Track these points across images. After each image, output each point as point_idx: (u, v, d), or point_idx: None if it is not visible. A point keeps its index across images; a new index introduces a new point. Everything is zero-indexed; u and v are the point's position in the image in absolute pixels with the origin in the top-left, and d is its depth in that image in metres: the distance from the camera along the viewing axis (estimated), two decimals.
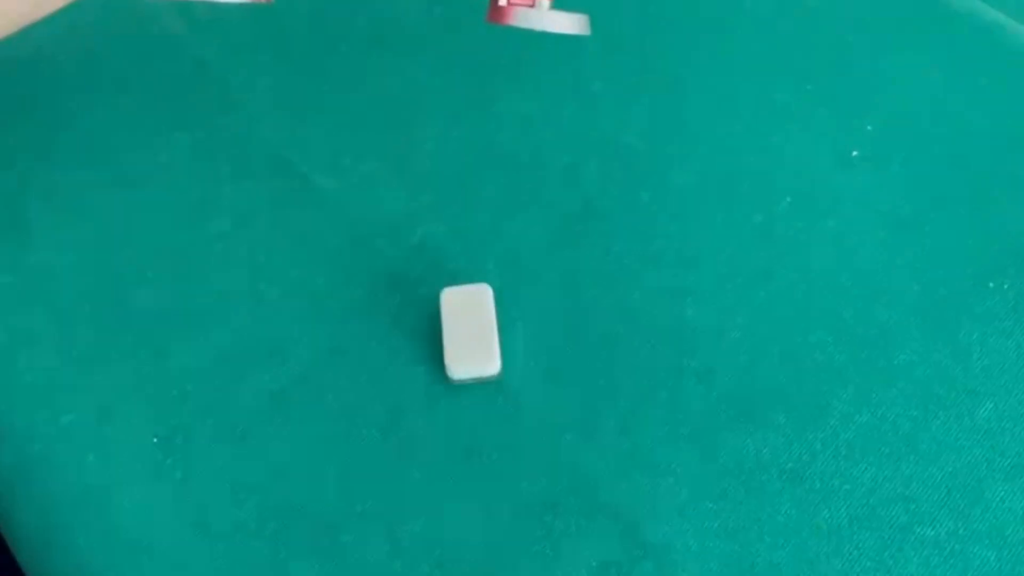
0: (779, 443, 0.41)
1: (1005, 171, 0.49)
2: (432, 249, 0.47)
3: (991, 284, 0.45)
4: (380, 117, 0.52)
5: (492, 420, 0.42)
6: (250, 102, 0.52)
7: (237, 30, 0.51)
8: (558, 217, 0.48)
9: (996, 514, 0.39)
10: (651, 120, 0.52)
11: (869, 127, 0.51)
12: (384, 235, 0.48)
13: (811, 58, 0.53)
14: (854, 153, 0.50)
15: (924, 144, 0.50)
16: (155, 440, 0.42)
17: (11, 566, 0.42)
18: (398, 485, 0.40)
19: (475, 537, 0.39)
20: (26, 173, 0.50)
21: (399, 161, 0.50)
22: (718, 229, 0.47)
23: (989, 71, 0.53)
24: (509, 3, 0.34)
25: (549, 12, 0.34)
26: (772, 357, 0.43)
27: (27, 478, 0.41)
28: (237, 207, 0.49)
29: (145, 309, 0.45)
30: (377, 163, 0.50)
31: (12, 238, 0.48)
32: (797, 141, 0.50)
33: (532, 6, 0.34)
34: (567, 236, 0.47)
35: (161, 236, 0.48)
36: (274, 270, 0.47)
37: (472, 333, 0.43)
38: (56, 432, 0.42)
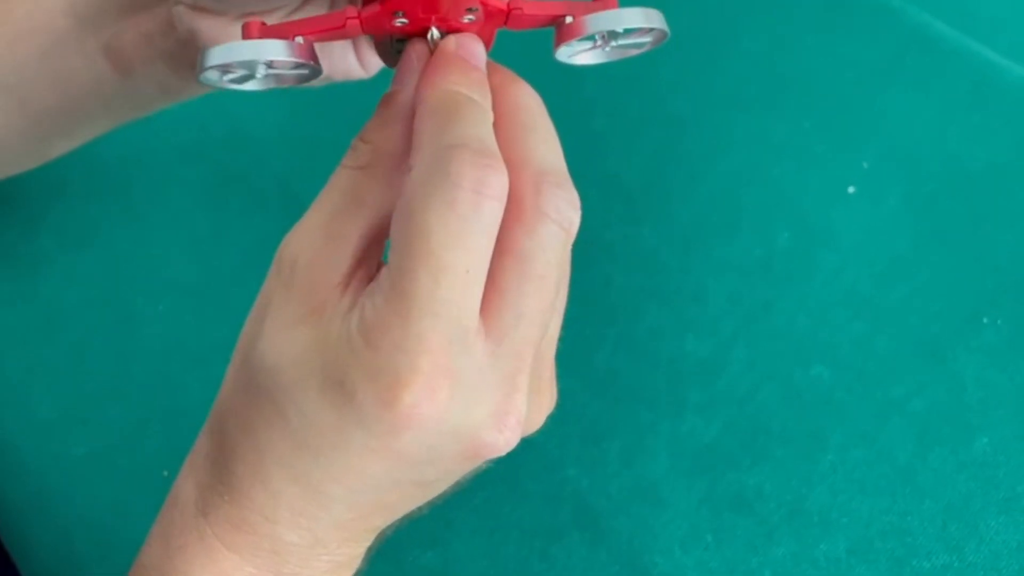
0: (778, 476, 0.42)
1: (1000, 207, 0.50)
2: None
3: (985, 319, 0.46)
4: None
5: None
6: (260, 136, 0.53)
7: None
8: None
9: (991, 547, 0.40)
10: (652, 156, 0.53)
11: (865, 163, 0.52)
12: None
13: (808, 95, 0.55)
14: (851, 189, 0.51)
15: (920, 180, 0.51)
16: (165, 474, 0.43)
17: None
18: (404, 518, 0.41)
19: (481, 568, 0.40)
20: (40, 207, 0.51)
21: None
22: (718, 263, 0.48)
23: (983, 108, 0.54)
24: (576, 18, 0.30)
25: (620, 11, 0.30)
26: (771, 390, 0.44)
27: (42, 511, 0.42)
28: (247, 241, 0.50)
29: (157, 343, 0.46)
30: None
31: (26, 272, 0.49)
32: (795, 176, 0.52)
33: (605, 7, 0.30)
34: (573, 267, 0.48)
35: (172, 270, 0.49)
36: None
37: None
38: (70, 465, 0.43)
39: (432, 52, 0.28)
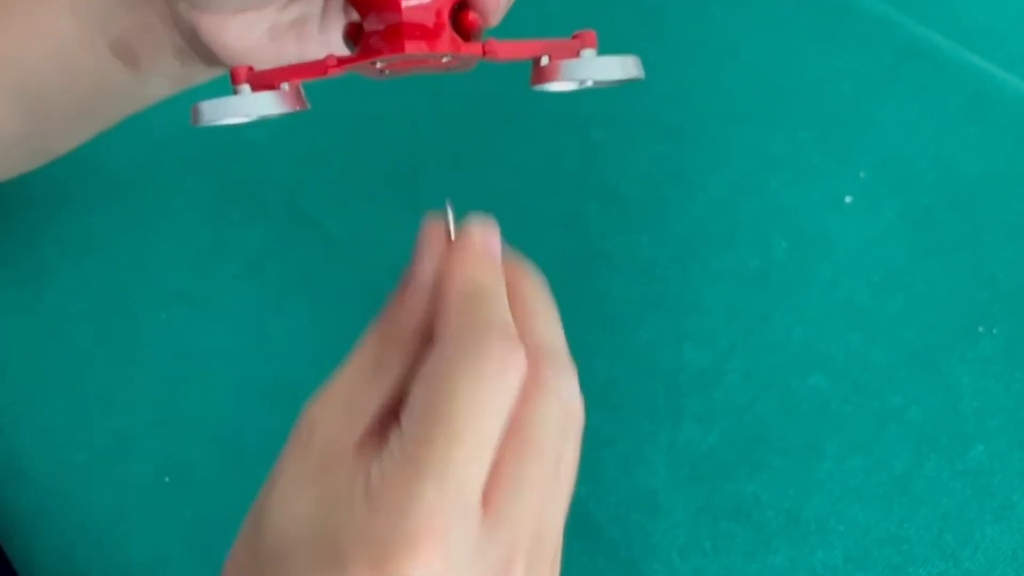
0: (776, 485, 0.42)
1: (995, 217, 0.50)
2: None
3: (981, 328, 0.46)
4: (387, 163, 0.53)
5: None
6: (261, 147, 0.54)
7: None
8: (560, 261, 0.49)
9: (986, 554, 0.40)
10: (650, 167, 0.53)
11: (862, 174, 0.52)
12: (391, 279, 0.49)
13: (805, 107, 0.55)
14: (848, 199, 0.52)
15: (916, 190, 0.52)
16: (167, 480, 0.43)
17: None
18: None
19: None
20: (43, 217, 0.52)
21: (405, 206, 0.52)
22: (717, 273, 0.49)
23: (980, 119, 0.54)
24: (551, 60, 0.30)
25: (596, 60, 0.30)
26: (769, 400, 0.45)
27: (44, 517, 0.42)
28: (248, 250, 0.50)
29: (159, 351, 0.47)
30: (384, 207, 0.52)
31: (30, 280, 0.49)
32: (792, 188, 0.52)
33: (577, 56, 0.30)
34: (568, 280, 0.49)
35: (174, 279, 0.49)
36: (284, 312, 0.48)
37: None
38: (72, 472, 0.43)
39: (447, 232, 0.31)
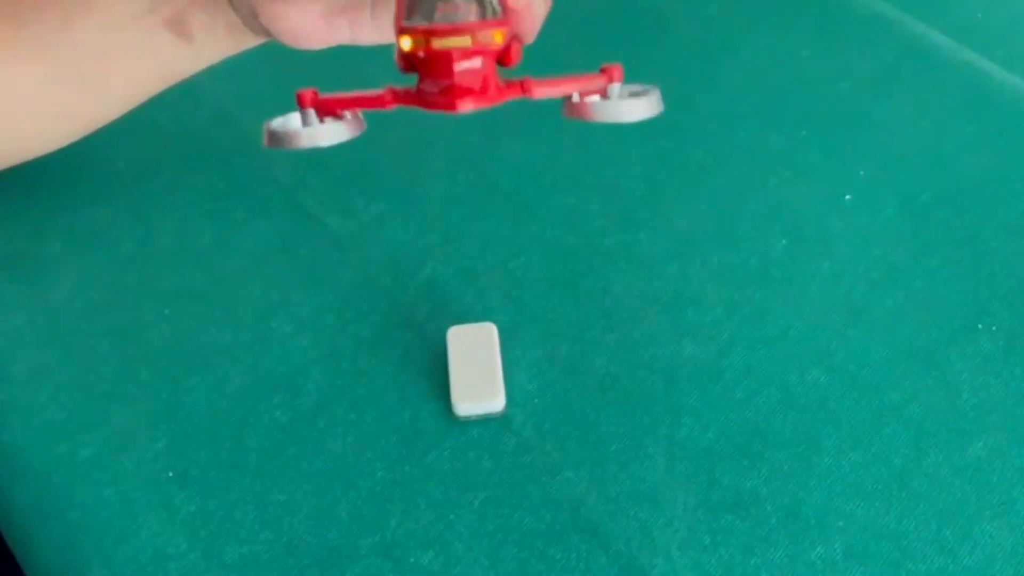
0: (775, 480, 0.42)
1: (994, 215, 0.51)
2: (439, 288, 0.48)
3: (980, 326, 0.46)
4: (389, 161, 0.54)
5: (497, 456, 0.43)
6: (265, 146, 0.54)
7: (254, 76, 0.53)
8: (561, 258, 0.50)
9: (985, 551, 0.40)
10: (651, 165, 0.53)
11: (862, 172, 0.53)
12: (392, 275, 0.49)
13: (804, 105, 0.55)
14: (847, 197, 0.52)
15: (915, 189, 0.52)
16: (170, 475, 0.43)
17: None
18: (405, 519, 0.42)
19: (480, 571, 0.40)
20: (48, 213, 0.52)
21: (407, 203, 0.52)
22: (716, 270, 0.49)
23: (978, 118, 0.54)
24: (582, 97, 0.33)
25: (623, 104, 0.33)
26: (768, 395, 0.45)
27: (47, 512, 0.42)
28: (251, 247, 0.51)
29: (162, 346, 0.47)
30: (386, 205, 0.52)
31: (34, 276, 0.50)
32: (792, 185, 0.52)
33: (605, 97, 0.33)
34: (569, 276, 0.49)
35: (177, 276, 0.50)
36: (286, 308, 0.48)
37: (478, 371, 0.44)
38: (75, 467, 0.43)
39: None
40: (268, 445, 0.44)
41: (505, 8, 0.30)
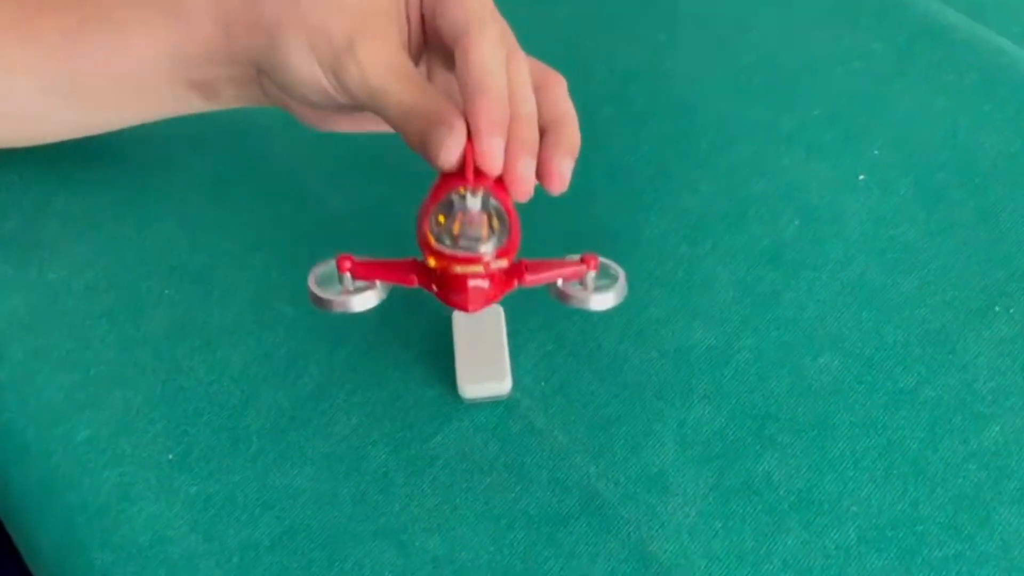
0: (787, 464, 0.41)
1: (1011, 196, 0.50)
2: None
3: (997, 308, 0.46)
4: (392, 141, 0.52)
5: (503, 439, 0.42)
6: (265, 126, 0.53)
7: None
8: (569, 239, 0.49)
9: (1003, 536, 0.39)
10: (659, 146, 0.52)
11: (876, 151, 0.52)
12: (395, 254, 0.48)
13: (816, 85, 0.54)
14: (861, 177, 0.51)
15: (930, 168, 0.51)
16: (170, 457, 0.42)
17: None
18: (410, 503, 0.41)
19: (487, 554, 0.39)
20: (45, 194, 0.51)
21: (411, 184, 0.51)
22: (727, 252, 0.48)
23: (994, 96, 0.53)
24: (564, 284, 0.38)
25: (596, 295, 0.38)
26: (780, 379, 0.44)
27: (46, 495, 0.42)
28: (252, 228, 0.50)
29: (161, 328, 0.46)
30: (389, 186, 0.51)
31: (31, 258, 0.49)
32: (804, 165, 0.51)
33: (584, 289, 0.38)
34: (578, 254, 0.48)
35: (176, 256, 0.49)
36: (289, 289, 0.47)
37: (484, 353, 0.43)
38: (73, 449, 0.42)
39: None
40: (270, 427, 0.43)
41: (510, 218, 0.35)
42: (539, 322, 0.46)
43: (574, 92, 0.55)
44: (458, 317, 0.44)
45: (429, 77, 0.41)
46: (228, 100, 0.44)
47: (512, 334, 0.44)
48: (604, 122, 0.53)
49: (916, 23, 0.57)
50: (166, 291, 0.47)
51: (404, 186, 0.51)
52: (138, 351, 0.45)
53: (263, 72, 0.41)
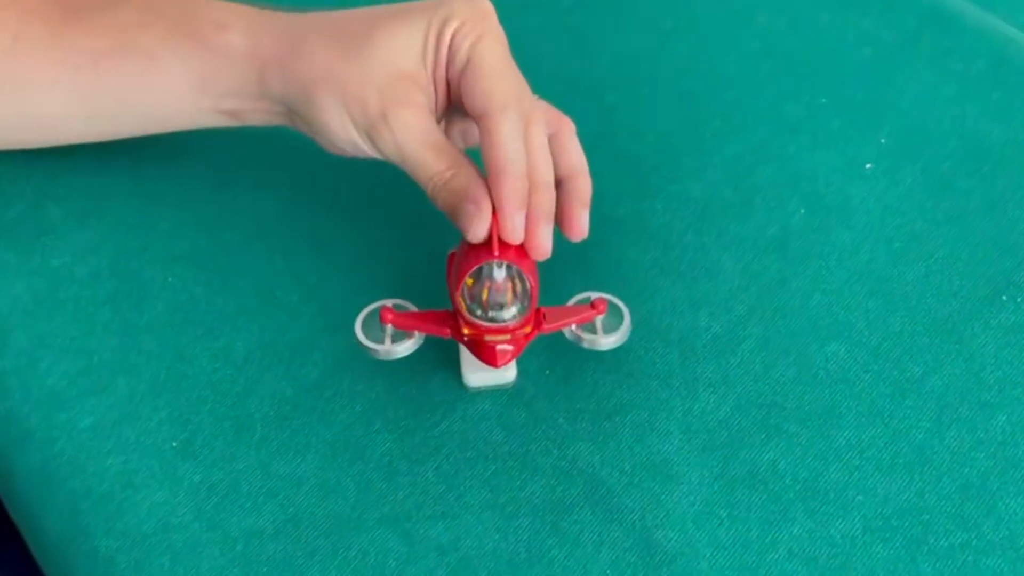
0: (793, 453, 0.41)
1: (1019, 184, 0.49)
2: None
3: (1004, 297, 0.45)
4: None
5: (508, 427, 0.42)
6: None
7: None
8: None
9: (1009, 525, 0.39)
10: (665, 133, 0.52)
11: (883, 140, 0.51)
12: (401, 244, 0.48)
13: (824, 72, 0.54)
14: (868, 165, 0.50)
15: (938, 157, 0.50)
16: (174, 444, 0.42)
17: (34, 569, 0.43)
18: (414, 491, 0.41)
19: (491, 543, 0.39)
20: (47, 179, 0.51)
21: None
22: (733, 240, 0.48)
23: (1003, 85, 0.53)
24: (574, 332, 0.42)
25: (605, 337, 0.42)
26: (786, 367, 0.44)
27: (49, 481, 0.42)
28: (256, 215, 0.49)
29: (166, 314, 0.46)
30: (394, 171, 0.51)
31: (34, 245, 0.48)
32: (810, 153, 0.51)
33: (594, 333, 0.42)
34: (581, 246, 0.47)
35: (181, 242, 0.48)
36: (292, 276, 0.47)
37: None
38: (77, 436, 0.42)
39: None
40: (274, 415, 0.43)
41: (531, 282, 0.39)
42: None
43: (577, 79, 0.55)
44: None
45: (450, 123, 0.44)
46: (253, 123, 0.46)
47: None
48: (609, 110, 0.53)
49: (924, 10, 0.56)
50: (169, 278, 0.47)
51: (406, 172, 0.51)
52: (142, 338, 0.45)
53: (294, 112, 0.43)
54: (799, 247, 0.47)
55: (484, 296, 0.39)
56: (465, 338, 0.41)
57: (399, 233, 0.48)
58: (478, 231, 0.38)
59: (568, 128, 0.44)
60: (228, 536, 0.40)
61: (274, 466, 0.41)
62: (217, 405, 0.43)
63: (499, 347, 0.40)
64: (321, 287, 0.47)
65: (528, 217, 0.39)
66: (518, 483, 0.41)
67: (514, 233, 0.38)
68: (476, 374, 0.43)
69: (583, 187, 0.42)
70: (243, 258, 0.48)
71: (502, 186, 0.38)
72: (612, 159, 0.51)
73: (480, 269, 0.39)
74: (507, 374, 0.43)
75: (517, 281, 0.39)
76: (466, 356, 0.43)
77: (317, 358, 0.45)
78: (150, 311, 0.46)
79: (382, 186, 0.50)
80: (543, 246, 0.39)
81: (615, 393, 0.43)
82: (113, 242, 0.48)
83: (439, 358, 0.44)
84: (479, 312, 0.39)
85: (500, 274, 0.39)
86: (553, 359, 0.44)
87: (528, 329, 0.41)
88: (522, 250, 0.39)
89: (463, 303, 0.39)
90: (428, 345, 0.44)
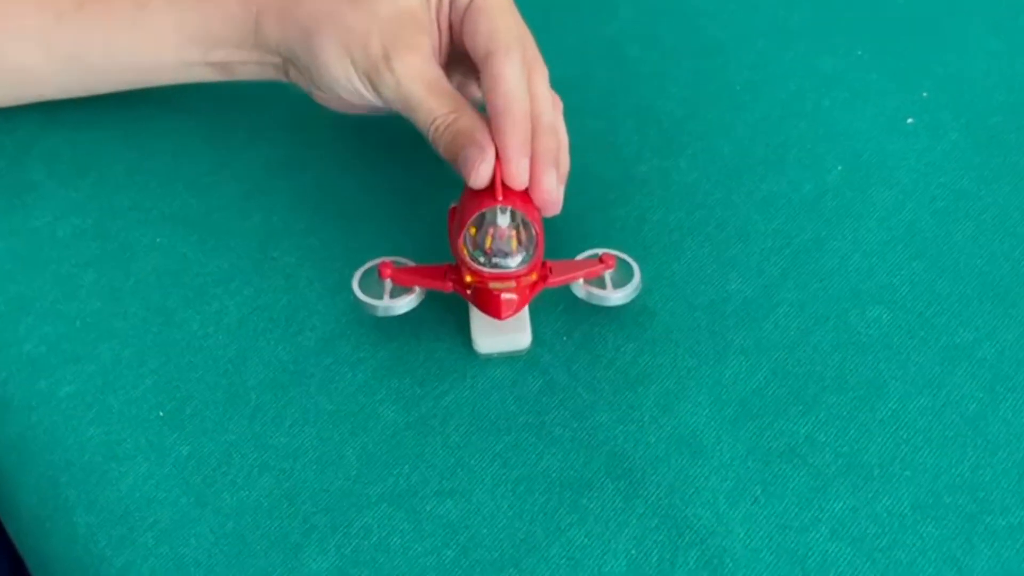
0: (833, 425, 0.38)
1: None
2: None
3: None
4: None
5: (522, 397, 0.39)
6: None
7: None
8: (593, 184, 0.45)
9: None
10: (691, 85, 0.49)
11: (925, 93, 0.48)
12: (407, 202, 0.45)
13: (860, 22, 0.50)
14: (909, 120, 0.47)
15: (984, 111, 0.47)
16: (161, 414, 0.39)
17: (8, 546, 0.40)
18: (421, 466, 0.37)
19: (504, 521, 0.36)
20: (30, 135, 0.47)
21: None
22: (764, 198, 0.45)
23: None
24: (582, 285, 0.40)
25: (613, 293, 0.40)
26: (824, 334, 0.40)
27: (27, 453, 0.38)
28: (252, 171, 0.46)
29: (153, 276, 0.43)
30: (400, 124, 0.48)
31: (15, 201, 0.45)
32: (848, 108, 0.47)
33: (603, 288, 0.40)
34: (602, 205, 0.45)
35: (171, 202, 0.45)
36: (289, 236, 0.44)
37: None
38: (57, 404, 0.39)
39: None
40: (269, 383, 0.40)
41: (536, 229, 0.37)
42: None
43: (597, 30, 0.52)
44: None
45: (449, 74, 0.41)
46: (243, 77, 0.44)
47: None
48: (631, 62, 0.49)
49: None
50: (158, 238, 0.44)
51: (410, 129, 0.48)
52: (128, 301, 0.42)
53: (290, 62, 0.42)
54: (836, 206, 0.44)
55: (488, 244, 0.37)
56: (468, 290, 0.38)
57: (400, 193, 0.45)
58: (481, 174, 0.36)
59: (556, 104, 0.41)
60: (218, 512, 0.37)
61: (269, 438, 0.38)
62: (207, 372, 0.40)
63: (504, 296, 0.37)
64: (320, 248, 0.44)
65: (533, 161, 0.37)
66: (533, 457, 0.37)
67: (519, 177, 0.36)
68: (488, 339, 0.39)
69: (564, 161, 0.40)
70: (237, 217, 0.45)
71: (506, 127, 0.36)
72: (634, 115, 0.48)
73: (483, 215, 0.37)
74: (521, 339, 0.40)
75: (522, 228, 0.37)
76: (477, 320, 0.40)
77: (315, 323, 0.41)
78: (137, 273, 0.43)
79: (383, 144, 0.47)
80: (550, 192, 0.37)
81: (638, 360, 0.40)
82: (98, 201, 0.45)
83: (448, 323, 0.41)
84: (482, 259, 0.37)
85: (504, 220, 0.37)
86: (571, 324, 0.41)
87: (534, 277, 0.38)
88: (526, 197, 0.37)
89: (466, 251, 0.37)
90: (436, 309, 0.41)
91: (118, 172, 0.46)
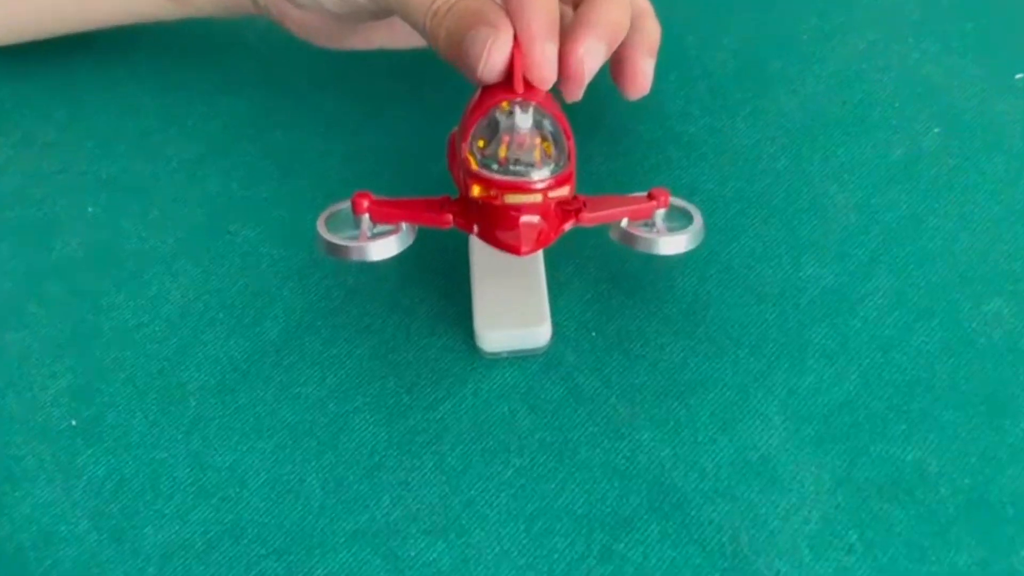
0: (949, 451, 0.29)
1: None
2: None
3: None
4: None
5: (539, 408, 0.31)
6: None
7: None
8: (631, 146, 0.37)
9: None
10: (749, 33, 0.41)
11: None
12: (396, 166, 0.37)
13: None
14: (1018, 76, 0.39)
15: None
16: (73, 423, 0.31)
17: None
18: (405, 494, 0.29)
19: (512, 570, 0.28)
20: None
21: (421, 83, 0.40)
22: (843, 166, 0.36)
23: None
24: (630, 225, 0.31)
25: (665, 240, 0.31)
26: (930, 332, 0.32)
27: None
28: (208, 130, 0.39)
29: (81, 252, 0.35)
30: (393, 82, 0.40)
31: None
32: (944, 62, 0.39)
33: (651, 215, 0.31)
34: (640, 171, 0.37)
35: (110, 164, 0.38)
36: (251, 205, 0.36)
37: (512, 291, 0.32)
38: None
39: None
40: (214, 386, 0.32)
41: (567, 139, 0.29)
42: (590, 251, 0.34)
43: None
44: (476, 242, 0.32)
45: None
46: (204, 12, 0.38)
47: (551, 265, 0.33)
48: (679, 7, 0.41)
49: None
50: (91, 208, 0.37)
51: (411, 85, 0.40)
52: (46, 283, 0.35)
53: None
54: (935, 176, 0.36)
55: (502, 154, 0.29)
56: (474, 216, 0.30)
57: (386, 157, 0.38)
58: (496, 62, 0.28)
59: None
60: (138, 553, 0.29)
61: (210, 456, 0.30)
62: (137, 372, 0.32)
63: (524, 218, 0.29)
64: (287, 222, 0.36)
65: (573, 31, 0.30)
66: (553, 486, 0.29)
67: (546, 67, 0.29)
68: (494, 333, 0.31)
69: (651, 30, 0.34)
70: (188, 183, 0.37)
71: (526, 4, 0.28)
72: (682, 67, 0.40)
73: (495, 119, 0.29)
74: (538, 334, 0.31)
75: (548, 139, 0.29)
76: (481, 309, 0.31)
77: (277, 312, 0.33)
78: (61, 248, 0.36)
79: (366, 100, 0.40)
80: (646, 75, 0.32)
81: (689, 363, 0.31)
82: (20, 162, 0.39)
83: (446, 313, 0.33)
84: (495, 167, 0.28)
85: (525, 121, 0.28)
86: (601, 316, 0.32)
87: (565, 191, 0.29)
88: (551, 97, 0.30)
89: (472, 160, 0.29)
90: (431, 296, 0.33)
91: (47, 130, 0.39)
